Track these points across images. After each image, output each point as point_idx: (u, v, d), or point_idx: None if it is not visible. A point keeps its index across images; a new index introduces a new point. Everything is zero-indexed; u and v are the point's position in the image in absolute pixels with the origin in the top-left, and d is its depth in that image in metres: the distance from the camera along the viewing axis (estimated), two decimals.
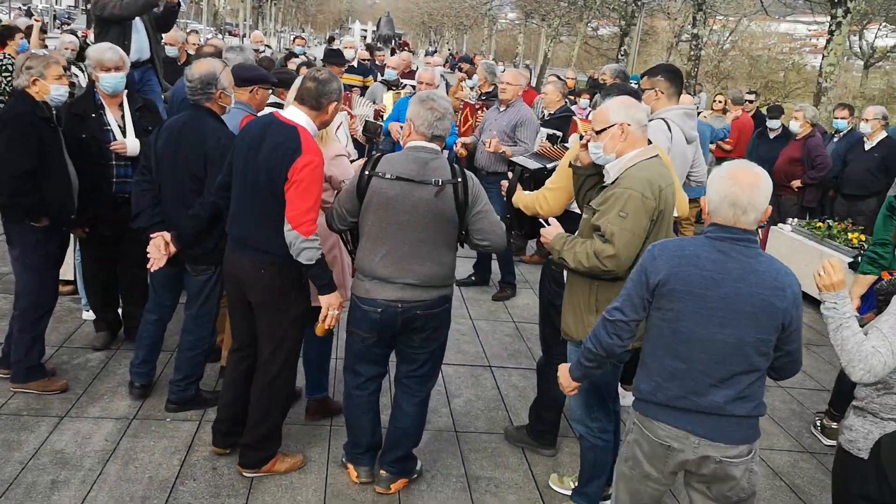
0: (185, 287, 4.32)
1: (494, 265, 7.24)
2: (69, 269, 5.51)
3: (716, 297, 2.62)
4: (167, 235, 4.04)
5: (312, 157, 3.40)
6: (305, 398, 4.50)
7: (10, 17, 31.57)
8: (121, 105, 4.73)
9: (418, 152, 3.48)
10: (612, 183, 3.29)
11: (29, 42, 8.65)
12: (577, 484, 3.86)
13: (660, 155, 3.44)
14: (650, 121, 4.45)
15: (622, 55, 27.63)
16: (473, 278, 7.27)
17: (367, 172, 3.46)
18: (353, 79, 9.65)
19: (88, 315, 5.42)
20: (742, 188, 2.60)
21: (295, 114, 3.54)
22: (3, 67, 7.66)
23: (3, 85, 7.62)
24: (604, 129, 3.32)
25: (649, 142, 3.43)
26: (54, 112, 4.39)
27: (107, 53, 4.59)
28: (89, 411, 4.32)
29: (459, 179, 3.46)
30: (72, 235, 4.84)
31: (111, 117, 4.67)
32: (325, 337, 4.35)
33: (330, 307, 3.57)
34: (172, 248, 4.05)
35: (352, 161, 4.21)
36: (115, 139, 4.64)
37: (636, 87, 4.74)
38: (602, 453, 3.65)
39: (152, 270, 4.10)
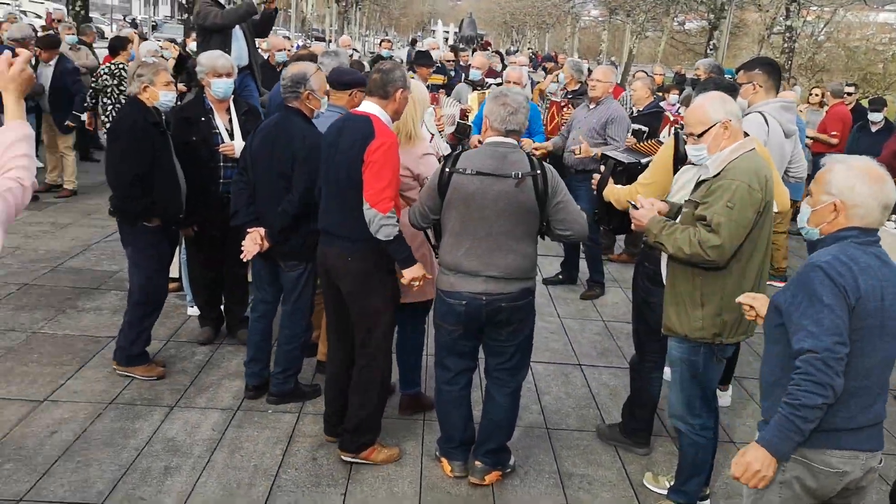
0: (282, 283, 4.48)
1: (582, 264, 7.21)
2: (175, 267, 5.78)
3: (887, 307, 2.43)
4: (262, 231, 4.25)
5: (385, 139, 3.61)
6: (399, 393, 4.61)
7: (112, 29, 33.13)
8: (228, 109, 4.96)
9: (496, 147, 3.55)
10: (716, 176, 3.25)
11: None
12: (672, 482, 3.83)
13: (756, 148, 3.39)
14: (747, 114, 4.38)
15: (711, 49, 26.93)
16: (561, 277, 7.26)
17: (447, 169, 3.56)
18: (439, 78, 9.75)
19: (193, 311, 5.68)
20: (888, 188, 2.47)
21: (367, 105, 3.78)
22: (115, 75, 8.17)
23: (116, 91, 8.12)
24: (706, 131, 3.29)
25: (746, 134, 3.39)
26: (164, 117, 4.64)
27: (220, 60, 4.83)
28: (197, 402, 4.53)
29: (538, 171, 3.51)
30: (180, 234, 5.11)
31: (219, 121, 4.90)
32: (416, 333, 4.47)
33: (413, 280, 3.72)
34: (266, 244, 4.25)
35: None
36: (223, 142, 4.87)
37: (731, 81, 4.66)
38: (703, 451, 3.61)
39: (245, 260, 4.31)
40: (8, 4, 29.99)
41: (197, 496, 3.65)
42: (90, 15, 18.86)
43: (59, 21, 13.35)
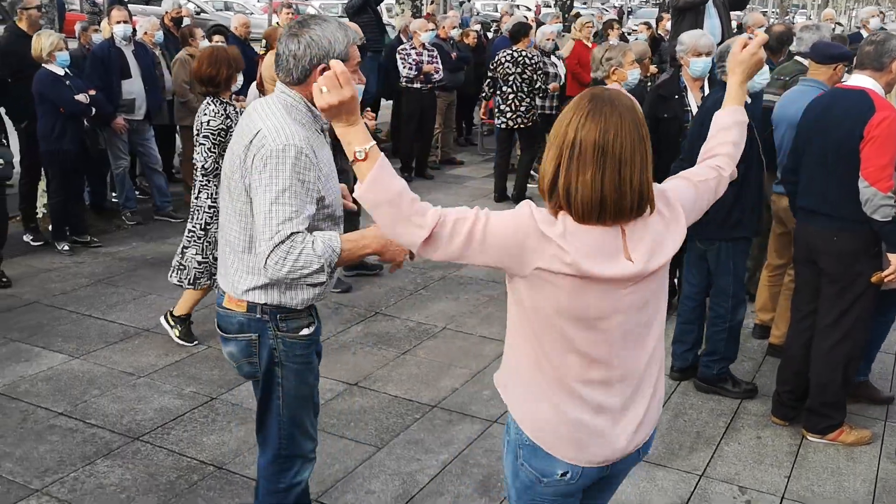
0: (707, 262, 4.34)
1: None
2: None
3: None
4: None
5: (888, 113, 3.43)
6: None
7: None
8: (701, 88, 5.08)
9: None
10: None
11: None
12: None
13: None
14: None
15: None
16: None
17: None
18: None
19: None
20: None
21: (858, 79, 3.62)
22: (518, 62, 7.99)
23: (518, 79, 8.03)
24: None
25: None
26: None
27: (702, 40, 4.97)
28: None
29: None
30: None
31: (692, 98, 5.05)
32: (885, 320, 4.14)
33: None
34: None
35: None
36: (689, 120, 5.01)
37: None
38: None
39: None
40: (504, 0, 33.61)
41: None
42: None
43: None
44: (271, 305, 2.53)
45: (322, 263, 2.31)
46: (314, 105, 2.30)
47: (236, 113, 4.70)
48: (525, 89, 8.01)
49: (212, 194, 4.65)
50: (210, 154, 4.60)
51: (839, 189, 3.57)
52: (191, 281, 4.73)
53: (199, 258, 4.71)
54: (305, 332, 2.62)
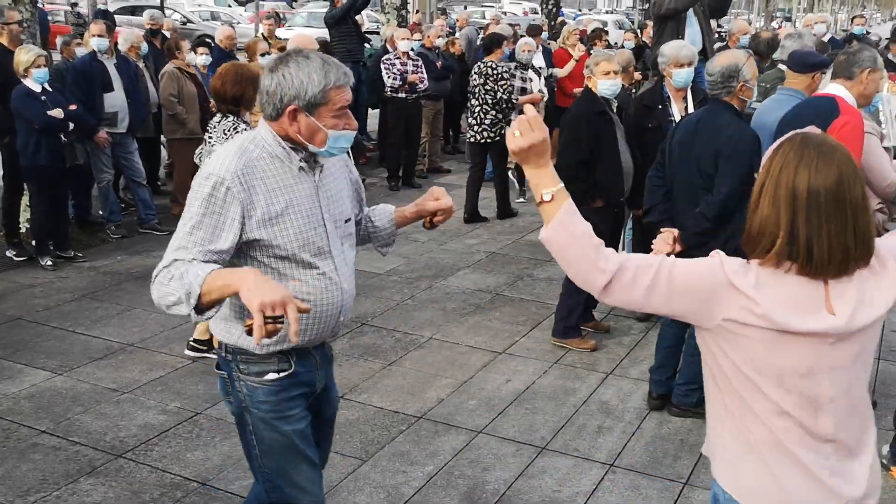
0: None
1: None
2: (620, 246, 6.13)
3: None
4: (675, 232, 4.00)
5: (849, 118, 3.47)
6: None
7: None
8: (685, 98, 5.12)
9: None
10: None
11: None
12: None
13: None
14: None
15: None
16: None
17: None
18: None
19: None
20: None
21: (830, 87, 3.72)
22: (483, 73, 7.81)
23: (482, 91, 7.82)
24: None
25: None
26: (614, 104, 4.97)
27: (683, 51, 5.01)
28: (630, 373, 4.81)
29: None
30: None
31: (675, 109, 5.10)
32: None
33: None
34: (679, 247, 3.96)
35: None
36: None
37: None
38: None
39: None
40: (492, 7, 33.78)
41: (625, 457, 3.92)
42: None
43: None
44: (231, 345, 2.42)
45: (179, 295, 2.08)
46: (289, 141, 2.31)
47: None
48: (490, 101, 7.85)
49: None
50: None
51: None
52: None
53: None
54: (272, 376, 2.41)
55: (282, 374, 2.42)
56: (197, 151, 4.67)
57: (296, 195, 2.33)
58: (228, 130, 4.40)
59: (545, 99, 8.59)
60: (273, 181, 2.30)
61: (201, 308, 2.10)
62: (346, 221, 2.52)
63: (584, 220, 1.86)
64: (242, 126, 4.43)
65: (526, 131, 1.85)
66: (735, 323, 1.78)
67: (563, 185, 1.86)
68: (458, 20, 9.84)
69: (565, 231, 1.84)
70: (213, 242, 2.21)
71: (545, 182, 1.88)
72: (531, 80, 8.52)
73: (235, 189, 2.22)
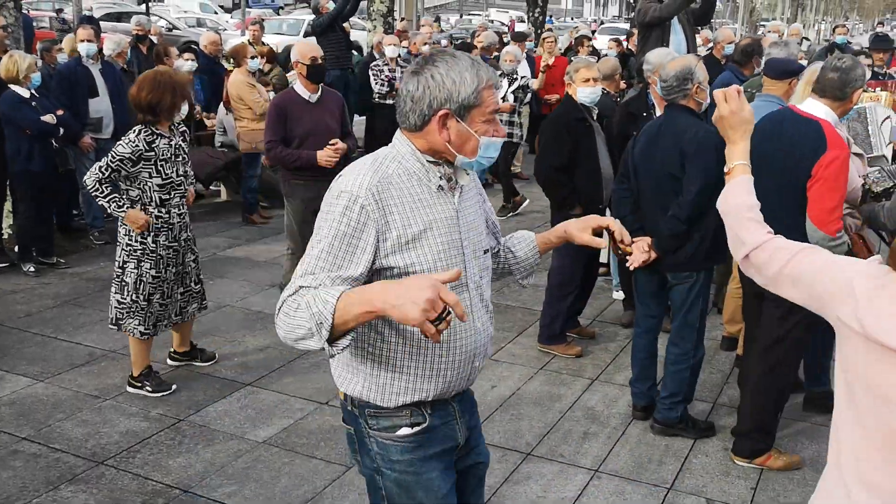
0: (669, 297, 4.18)
1: None
2: (604, 252, 6.14)
3: None
4: (649, 240, 3.92)
5: (838, 153, 3.32)
6: (806, 390, 4.42)
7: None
8: None
9: None
10: None
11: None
12: None
13: None
14: None
15: None
16: None
17: None
18: None
19: (618, 295, 6.00)
20: None
21: (814, 107, 3.48)
22: None
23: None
24: None
25: None
26: (594, 111, 4.99)
27: (667, 59, 4.99)
28: (615, 378, 4.82)
29: None
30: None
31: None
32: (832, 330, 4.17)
33: None
34: (654, 254, 3.92)
35: None
36: None
37: None
38: None
39: (631, 269, 3.85)
40: (479, 15, 33.90)
41: (610, 462, 3.92)
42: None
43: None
44: (356, 398, 2.14)
45: (309, 326, 1.82)
46: (430, 155, 2.06)
47: (169, 146, 4.33)
48: None
49: (128, 229, 4.32)
50: (100, 173, 4.21)
51: (786, 215, 3.33)
52: (112, 321, 4.46)
53: (117, 297, 4.40)
54: (405, 431, 2.11)
55: (416, 429, 2.12)
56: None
57: (436, 217, 2.04)
58: (131, 139, 4.18)
59: (517, 108, 8.49)
60: (410, 199, 2.02)
61: (334, 338, 1.83)
62: (485, 252, 2.24)
63: (749, 193, 2.01)
64: (131, 137, 4.19)
65: (720, 104, 2.06)
66: (844, 325, 1.67)
67: (744, 162, 2.06)
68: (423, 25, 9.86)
69: (724, 200, 2.06)
70: (344, 268, 1.93)
71: (730, 156, 2.09)
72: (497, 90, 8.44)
73: (370, 207, 1.95)
